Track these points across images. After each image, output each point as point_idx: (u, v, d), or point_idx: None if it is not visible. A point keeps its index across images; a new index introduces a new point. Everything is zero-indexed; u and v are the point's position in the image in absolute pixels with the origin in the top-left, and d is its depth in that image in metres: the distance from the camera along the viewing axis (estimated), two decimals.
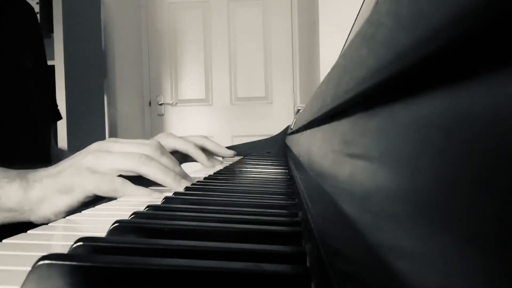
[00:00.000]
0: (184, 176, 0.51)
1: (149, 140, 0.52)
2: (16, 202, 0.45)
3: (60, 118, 0.89)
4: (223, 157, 0.81)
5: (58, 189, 0.45)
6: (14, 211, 0.45)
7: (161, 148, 0.50)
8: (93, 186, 0.45)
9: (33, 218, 0.46)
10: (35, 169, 0.48)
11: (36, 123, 0.72)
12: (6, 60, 0.67)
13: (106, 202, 0.45)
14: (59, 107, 0.89)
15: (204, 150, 0.72)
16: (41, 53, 0.79)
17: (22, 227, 0.34)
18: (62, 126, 1.67)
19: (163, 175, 0.47)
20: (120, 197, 0.46)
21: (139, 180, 0.48)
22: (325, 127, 0.27)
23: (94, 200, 0.47)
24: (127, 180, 0.46)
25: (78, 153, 0.48)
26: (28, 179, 0.46)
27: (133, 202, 0.43)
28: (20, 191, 0.45)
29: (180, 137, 0.67)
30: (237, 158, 0.95)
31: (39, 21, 0.80)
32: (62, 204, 0.46)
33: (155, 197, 0.45)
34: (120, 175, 0.46)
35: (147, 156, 0.47)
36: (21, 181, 0.46)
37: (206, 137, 0.74)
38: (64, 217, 0.40)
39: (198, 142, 0.71)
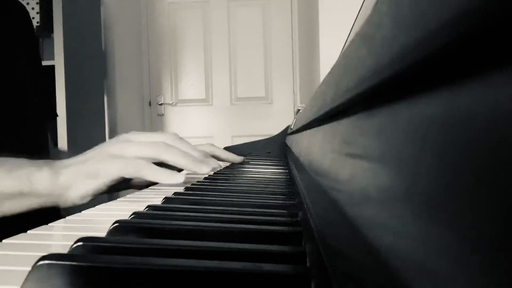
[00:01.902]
0: (204, 160, 0.54)
1: (168, 132, 0.56)
2: (46, 187, 0.48)
3: (56, 116, 0.90)
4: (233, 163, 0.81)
5: (86, 175, 0.48)
6: (44, 196, 0.48)
7: (179, 136, 0.55)
8: (119, 169, 0.48)
9: (61, 202, 0.49)
10: (60, 160, 0.51)
11: (31, 122, 0.72)
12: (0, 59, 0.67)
13: (106, 202, 0.45)
14: (58, 107, 0.89)
15: (214, 157, 0.72)
16: (34, 52, 0.79)
17: (22, 226, 0.34)
18: (62, 126, 1.67)
19: (184, 160, 0.51)
20: (143, 177, 0.49)
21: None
22: (325, 127, 0.27)
23: (122, 186, 0.51)
24: (150, 162, 0.49)
25: (102, 144, 0.52)
26: (55, 166, 0.49)
27: (134, 202, 0.43)
28: (49, 177, 0.48)
29: None
30: None
31: (32, 21, 0.80)
32: (89, 188, 0.49)
33: (176, 179, 0.48)
34: None
35: (168, 144, 0.51)
36: (49, 168, 0.48)
37: (213, 145, 0.74)
38: (90, 201, 0.46)
39: (207, 151, 0.71)
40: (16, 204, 0.48)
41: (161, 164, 0.51)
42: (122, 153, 0.50)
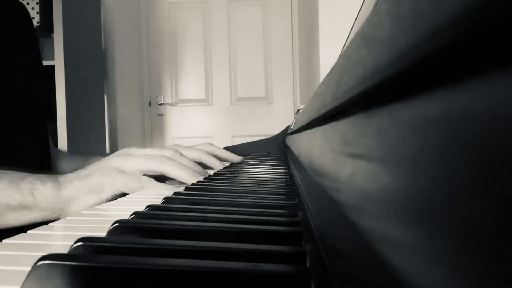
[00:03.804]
0: (203, 173, 0.57)
1: (167, 147, 0.59)
2: (50, 201, 0.49)
3: (53, 117, 0.91)
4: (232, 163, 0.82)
5: (89, 189, 0.50)
6: (47, 210, 0.49)
7: (179, 151, 0.57)
8: (122, 185, 0.50)
9: (62, 216, 0.49)
10: (64, 174, 0.53)
11: (30, 120, 0.72)
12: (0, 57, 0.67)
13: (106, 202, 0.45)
14: (58, 107, 0.89)
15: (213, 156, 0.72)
16: (35, 52, 0.79)
17: (22, 226, 0.34)
18: (62, 126, 1.67)
19: (182, 173, 0.53)
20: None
21: (161, 179, 0.55)
22: (325, 127, 0.27)
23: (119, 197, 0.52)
24: (152, 179, 0.52)
25: (105, 158, 0.54)
26: (59, 181, 0.50)
27: (133, 202, 0.43)
28: (53, 191, 0.49)
29: (189, 147, 0.67)
30: None
31: (31, 20, 0.80)
32: (92, 203, 0.50)
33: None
34: (144, 175, 0.52)
35: (168, 157, 0.53)
36: (53, 182, 0.49)
37: (212, 144, 0.75)
38: None
39: (207, 150, 0.72)
40: (18, 216, 0.48)
41: (160, 177, 0.54)
42: (124, 167, 0.51)
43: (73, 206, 0.49)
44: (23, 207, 0.47)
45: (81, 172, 0.52)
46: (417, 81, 0.09)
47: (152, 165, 0.52)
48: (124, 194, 0.52)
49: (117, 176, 0.50)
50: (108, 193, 0.50)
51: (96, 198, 0.50)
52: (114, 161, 0.52)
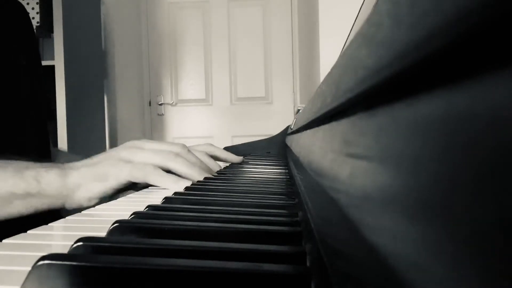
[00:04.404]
0: (210, 171, 0.58)
1: (176, 142, 0.59)
2: (55, 188, 0.49)
3: (53, 117, 0.91)
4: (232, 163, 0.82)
5: (94, 177, 0.50)
6: (52, 197, 0.49)
7: (187, 148, 0.57)
8: (127, 174, 0.50)
9: (68, 203, 0.50)
10: (70, 163, 0.53)
11: (32, 122, 0.72)
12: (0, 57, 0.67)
13: (106, 202, 0.45)
14: (58, 107, 0.89)
15: (213, 157, 0.72)
16: (34, 52, 0.79)
17: (22, 226, 0.34)
18: (62, 126, 1.67)
19: (190, 171, 0.53)
20: (150, 182, 0.51)
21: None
22: (325, 127, 0.27)
23: (127, 188, 0.53)
24: (158, 167, 0.52)
25: (113, 149, 0.55)
26: (64, 168, 0.50)
27: (134, 202, 0.43)
28: (58, 178, 0.49)
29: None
30: None
31: (31, 21, 0.80)
32: (97, 191, 0.50)
33: (182, 185, 0.49)
34: None
35: (175, 153, 0.53)
36: (58, 170, 0.50)
37: (212, 145, 0.75)
38: (96, 204, 0.47)
39: (207, 151, 0.72)
40: (24, 204, 0.48)
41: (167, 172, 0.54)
42: (131, 159, 0.52)
43: (78, 193, 0.50)
44: (29, 194, 0.48)
45: (88, 161, 0.52)
46: (417, 81, 0.09)
47: (160, 161, 0.52)
48: (130, 186, 0.52)
49: (122, 166, 0.51)
50: (113, 183, 0.50)
51: (101, 186, 0.50)
52: (122, 152, 0.52)
